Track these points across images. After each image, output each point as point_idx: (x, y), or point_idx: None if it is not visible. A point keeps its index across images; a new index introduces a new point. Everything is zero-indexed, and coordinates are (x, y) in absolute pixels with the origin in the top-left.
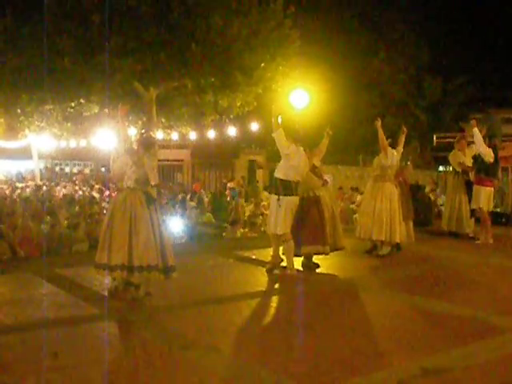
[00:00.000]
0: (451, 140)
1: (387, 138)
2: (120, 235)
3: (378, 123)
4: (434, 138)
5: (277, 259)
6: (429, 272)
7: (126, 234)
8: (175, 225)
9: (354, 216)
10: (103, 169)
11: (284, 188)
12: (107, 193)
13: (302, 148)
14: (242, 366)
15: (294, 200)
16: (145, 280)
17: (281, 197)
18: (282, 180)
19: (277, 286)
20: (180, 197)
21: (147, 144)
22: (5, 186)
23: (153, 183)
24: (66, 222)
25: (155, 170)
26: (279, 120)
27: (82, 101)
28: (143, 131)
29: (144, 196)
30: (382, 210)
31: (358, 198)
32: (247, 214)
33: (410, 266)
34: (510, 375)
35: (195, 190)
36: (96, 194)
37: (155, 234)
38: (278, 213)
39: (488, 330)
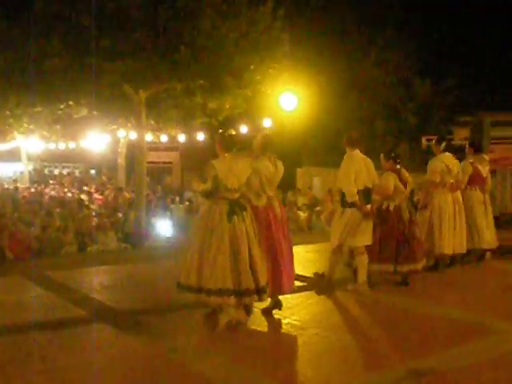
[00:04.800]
0: None
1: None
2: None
3: None
4: (423, 141)
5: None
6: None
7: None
8: (163, 227)
9: None
10: (93, 171)
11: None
12: (95, 195)
13: (358, 150)
14: (235, 370)
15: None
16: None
17: (345, 209)
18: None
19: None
20: (170, 199)
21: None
22: None
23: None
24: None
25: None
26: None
27: (71, 103)
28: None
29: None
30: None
31: None
32: None
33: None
34: (500, 376)
35: None
36: (84, 197)
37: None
38: (339, 224)
39: (479, 331)
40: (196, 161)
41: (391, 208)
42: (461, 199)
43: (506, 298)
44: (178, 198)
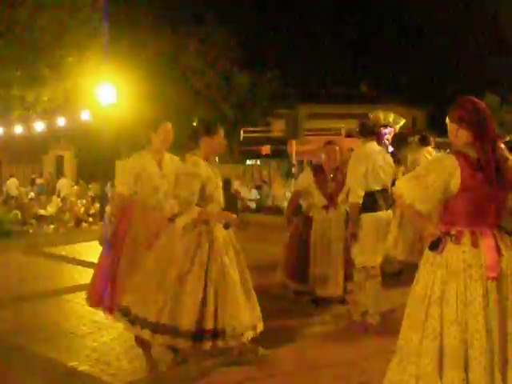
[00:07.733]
0: (258, 135)
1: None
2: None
3: None
4: (242, 133)
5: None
6: None
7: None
8: None
9: None
10: None
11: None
12: None
13: (374, 142)
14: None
15: (378, 217)
16: None
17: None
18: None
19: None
20: None
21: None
22: None
23: None
24: None
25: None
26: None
27: None
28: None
29: None
30: None
31: None
32: (54, 209)
33: None
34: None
35: None
36: None
37: None
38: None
39: None
40: (15, 154)
41: None
42: None
43: None
44: None
